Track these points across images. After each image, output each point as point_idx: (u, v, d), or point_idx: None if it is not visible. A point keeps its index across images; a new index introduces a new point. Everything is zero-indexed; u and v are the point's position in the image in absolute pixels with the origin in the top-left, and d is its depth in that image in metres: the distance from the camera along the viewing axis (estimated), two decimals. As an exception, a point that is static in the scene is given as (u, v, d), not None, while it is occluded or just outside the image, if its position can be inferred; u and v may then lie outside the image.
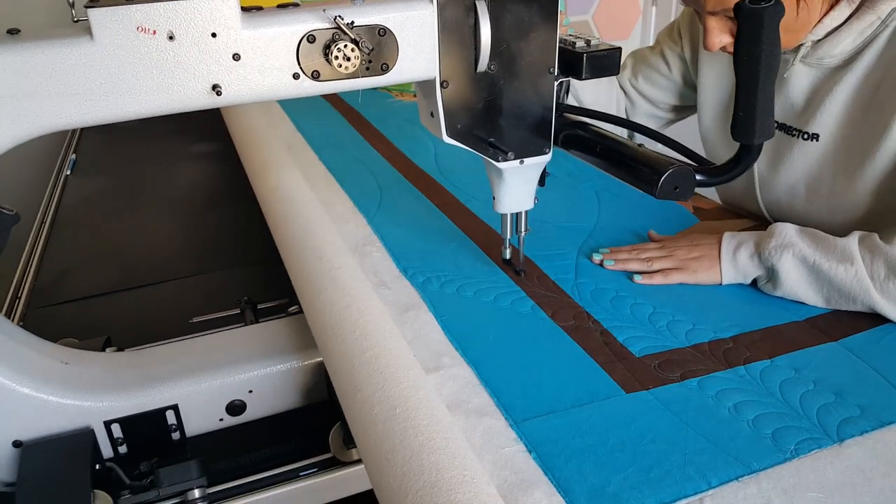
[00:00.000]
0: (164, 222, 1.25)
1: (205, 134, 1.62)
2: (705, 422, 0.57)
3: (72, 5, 0.60)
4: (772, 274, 0.73)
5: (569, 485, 0.51)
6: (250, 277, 1.05)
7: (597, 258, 0.82)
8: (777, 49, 0.57)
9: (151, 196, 1.36)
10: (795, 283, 0.72)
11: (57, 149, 1.65)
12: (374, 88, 1.52)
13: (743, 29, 0.58)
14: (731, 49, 0.80)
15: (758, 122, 0.59)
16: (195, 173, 1.47)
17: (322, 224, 0.86)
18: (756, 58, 0.57)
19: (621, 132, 0.92)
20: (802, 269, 0.71)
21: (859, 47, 0.77)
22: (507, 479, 0.52)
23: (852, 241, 0.70)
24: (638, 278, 0.78)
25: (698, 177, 0.64)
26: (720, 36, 0.78)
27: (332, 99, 1.46)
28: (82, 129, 1.70)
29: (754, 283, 0.76)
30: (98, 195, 1.38)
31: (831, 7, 0.76)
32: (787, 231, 0.73)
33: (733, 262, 0.76)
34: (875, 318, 0.70)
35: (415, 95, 1.48)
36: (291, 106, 1.38)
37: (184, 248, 1.15)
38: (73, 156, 1.54)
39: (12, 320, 0.96)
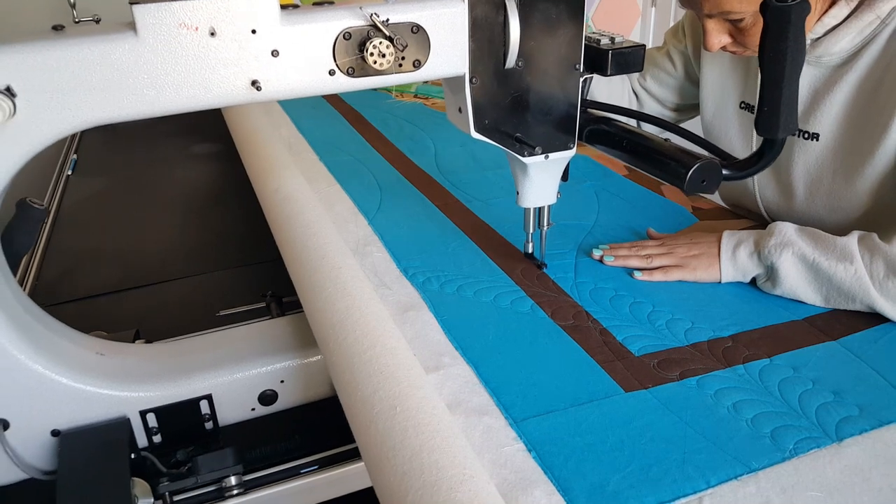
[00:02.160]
0: (165, 222, 1.25)
1: (205, 134, 1.62)
2: (704, 421, 0.57)
3: (73, 6, 0.60)
4: (771, 272, 0.73)
5: (568, 483, 0.51)
6: (252, 276, 1.05)
7: (597, 254, 0.82)
8: (802, 45, 0.58)
9: (152, 196, 1.36)
10: (795, 282, 0.72)
11: (58, 149, 1.65)
12: (375, 89, 1.53)
13: (770, 26, 0.58)
14: (731, 49, 0.81)
15: (782, 118, 0.60)
16: (196, 173, 1.47)
17: (323, 224, 0.86)
18: (782, 54, 0.58)
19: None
20: (802, 267, 0.71)
21: (859, 46, 0.77)
22: (506, 477, 0.52)
23: (852, 241, 0.70)
24: (638, 275, 0.78)
25: (724, 171, 0.65)
26: (719, 37, 0.79)
27: (333, 99, 1.47)
28: (83, 130, 1.70)
29: (753, 281, 0.76)
30: (99, 195, 1.38)
31: (830, 5, 0.77)
32: (786, 230, 0.73)
33: (733, 260, 0.76)
34: (874, 318, 0.70)
35: (415, 96, 1.49)
36: (292, 106, 1.38)
37: (186, 248, 1.15)
38: (75, 156, 1.55)
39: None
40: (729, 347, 0.67)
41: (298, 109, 1.37)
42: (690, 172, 0.63)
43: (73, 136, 1.69)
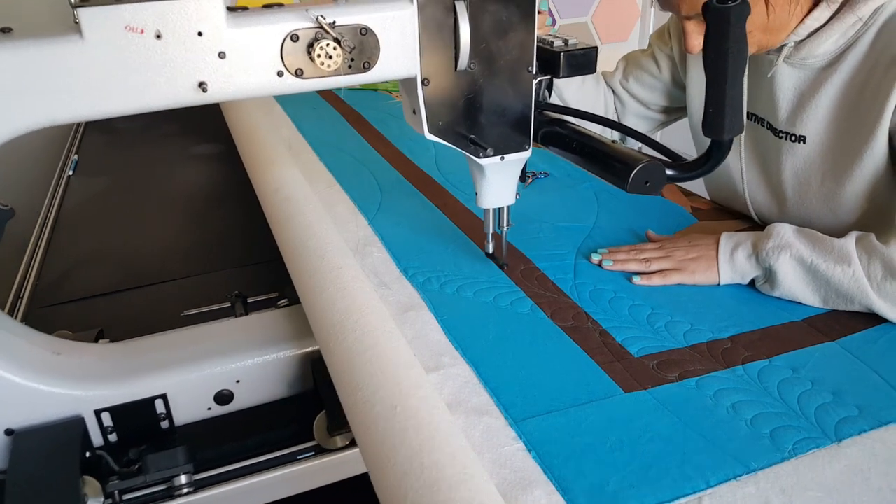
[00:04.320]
0: (165, 223, 1.25)
1: (206, 135, 1.62)
2: (703, 421, 0.58)
3: (73, 6, 0.60)
4: (769, 275, 0.73)
5: (568, 483, 0.52)
6: (253, 277, 1.06)
7: (595, 258, 0.82)
8: (744, 46, 0.59)
9: (153, 196, 1.36)
10: (793, 284, 0.72)
11: (59, 149, 1.65)
12: (375, 89, 1.53)
13: (711, 27, 0.59)
14: None
15: (727, 118, 0.61)
16: (196, 174, 1.47)
17: (323, 224, 0.86)
18: (724, 55, 0.59)
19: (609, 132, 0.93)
20: (800, 269, 0.71)
21: (842, 48, 0.77)
22: (506, 477, 0.52)
23: (849, 242, 0.70)
24: (636, 279, 0.78)
25: (669, 172, 0.66)
26: (699, 38, 0.80)
27: (333, 100, 1.47)
28: (84, 130, 1.71)
29: (752, 283, 0.76)
30: (100, 195, 1.38)
31: (812, 8, 0.77)
32: (784, 232, 0.73)
33: (731, 262, 0.76)
34: (872, 318, 0.70)
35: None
36: (292, 107, 1.38)
37: (185, 249, 1.15)
38: (76, 156, 1.55)
39: (15, 318, 0.97)
40: (728, 349, 0.67)
41: (298, 110, 1.37)
42: (633, 173, 0.64)
43: (75, 136, 1.69)
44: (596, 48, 0.67)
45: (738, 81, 0.60)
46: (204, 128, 1.65)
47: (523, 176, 0.76)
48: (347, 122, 1.33)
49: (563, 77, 0.67)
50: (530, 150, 0.72)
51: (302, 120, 1.32)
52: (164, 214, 1.28)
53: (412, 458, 0.51)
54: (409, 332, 0.69)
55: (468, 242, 0.88)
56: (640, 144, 0.75)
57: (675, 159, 0.67)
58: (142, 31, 0.54)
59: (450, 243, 0.87)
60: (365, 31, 0.60)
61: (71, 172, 1.47)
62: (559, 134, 0.72)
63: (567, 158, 0.73)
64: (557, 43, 0.67)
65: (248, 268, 1.08)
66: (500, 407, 0.59)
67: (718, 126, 0.61)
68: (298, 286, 0.79)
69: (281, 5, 0.60)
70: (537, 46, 0.66)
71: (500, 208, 0.77)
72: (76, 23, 0.58)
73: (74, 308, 0.99)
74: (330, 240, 0.82)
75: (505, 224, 0.79)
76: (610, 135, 0.97)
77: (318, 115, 1.37)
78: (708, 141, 0.95)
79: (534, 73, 0.67)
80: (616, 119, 1.07)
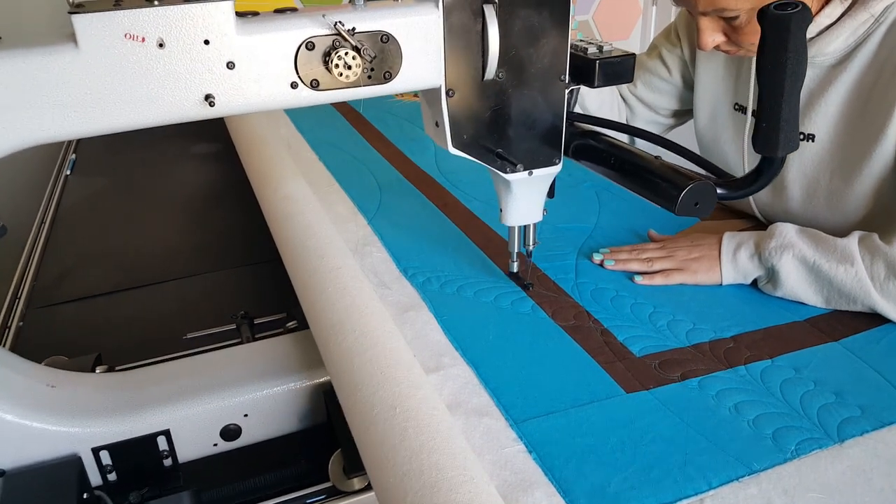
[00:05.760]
0: (164, 222, 1.25)
1: (205, 135, 1.62)
2: (706, 422, 0.57)
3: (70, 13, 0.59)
4: (772, 274, 0.73)
5: (569, 485, 0.51)
6: (253, 279, 1.05)
7: (597, 258, 0.82)
8: (804, 57, 0.55)
9: (151, 197, 1.36)
10: (795, 284, 0.72)
11: (57, 149, 1.65)
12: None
13: (768, 36, 0.55)
14: (725, 48, 0.81)
15: (782, 134, 0.57)
16: (195, 174, 1.47)
17: (322, 224, 0.86)
18: (782, 66, 0.55)
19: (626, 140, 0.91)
20: (802, 269, 0.71)
21: (853, 45, 0.77)
22: (507, 479, 0.52)
23: (852, 242, 0.70)
24: (638, 279, 0.78)
25: (719, 191, 0.61)
26: (713, 35, 0.79)
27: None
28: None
29: (755, 283, 0.76)
30: (98, 195, 1.38)
31: (824, 5, 0.76)
32: (787, 231, 0.73)
33: (733, 262, 0.76)
34: (875, 319, 0.70)
35: (415, 95, 1.49)
36: (292, 106, 1.38)
37: (183, 250, 1.15)
38: (74, 156, 1.55)
39: (12, 319, 0.96)
40: (730, 348, 0.67)
41: (298, 109, 1.37)
42: (682, 195, 0.59)
43: (73, 135, 1.69)
44: (633, 55, 0.63)
45: (796, 95, 0.55)
46: (203, 127, 1.64)
47: (552, 191, 0.72)
48: (347, 122, 1.33)
49: (598, 87, 0.62)
50: (561, 164, 0.68)
51: (301, 119, 1.31)
52: (162, 214, 1.28)
53: (412, 459, 0.51)
54: (408, 333, 0.68)
55: (468, 242, 0.87)
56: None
57: (720, 175, 0.62)
58: (143, 40, 0.51)
59: (450, 243, 0.87)
60: (386, 39, 0.56)
61: (69, 172, 1.46)
62: (594, 147, 0.68)
63: (602, 174, 0.68)
64: (592, 50, 0.62)
65: (247, 268, 1.08)
66: (501, 408, 0.59)
67: (772, 142, 0.57)
68: (298, 286, 0.79)
69: (294, 10, 0.56)
70: (570, 53, 0.62)
71: (525, 226, 0.74)
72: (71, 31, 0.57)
73: (72, 308, 0.99)
74: (330, 240, 0.82)
75: (531, 243, 0.75)
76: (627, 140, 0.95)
77: (317, 114, 1.37)
78: (710, 142, 0.97)
79: (566, 82, 0.63)
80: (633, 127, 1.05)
